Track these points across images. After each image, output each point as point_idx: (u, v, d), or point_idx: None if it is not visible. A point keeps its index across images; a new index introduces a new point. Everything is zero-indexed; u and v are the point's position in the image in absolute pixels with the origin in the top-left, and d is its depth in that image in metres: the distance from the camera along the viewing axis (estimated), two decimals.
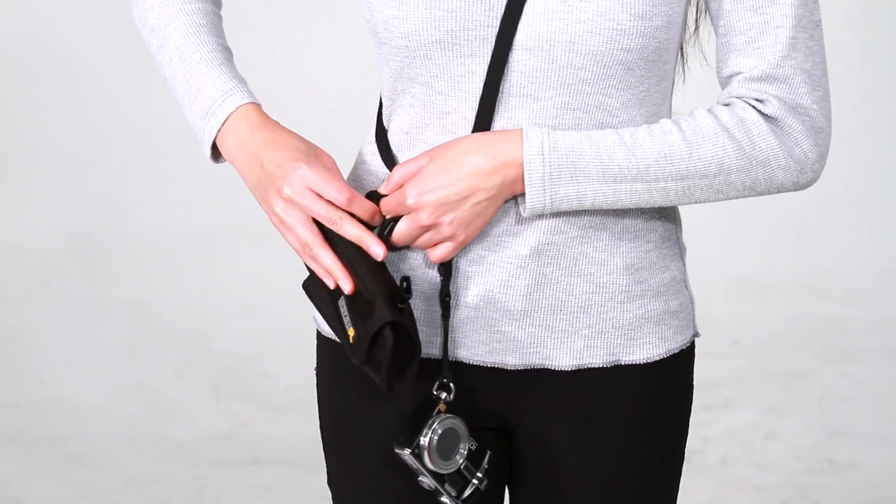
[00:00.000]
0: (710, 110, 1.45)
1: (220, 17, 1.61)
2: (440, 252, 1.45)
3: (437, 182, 1.42)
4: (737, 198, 1.48)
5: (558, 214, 1.46)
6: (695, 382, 1.63)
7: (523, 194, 1.44)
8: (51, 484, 3.51)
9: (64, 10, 5.25)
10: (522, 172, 1.42)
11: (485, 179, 1.42)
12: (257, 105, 1.52)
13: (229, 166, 1.57)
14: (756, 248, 5.05)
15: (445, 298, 1.48)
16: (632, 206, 1.45)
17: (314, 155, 1.47)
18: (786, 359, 4.32)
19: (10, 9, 5.25)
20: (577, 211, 1.47)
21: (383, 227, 1.46)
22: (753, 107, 1.44)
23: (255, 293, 4.66)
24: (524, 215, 1.44)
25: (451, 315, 1.50)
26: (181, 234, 4.99)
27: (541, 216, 1.46)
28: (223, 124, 1.51)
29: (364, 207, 1.44)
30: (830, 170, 1.58)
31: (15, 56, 5.25)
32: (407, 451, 1.46)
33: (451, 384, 1.49)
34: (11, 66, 5.25)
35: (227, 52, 1.58)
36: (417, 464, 1.46)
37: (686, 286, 1.57)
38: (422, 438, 1.46)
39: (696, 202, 1.46)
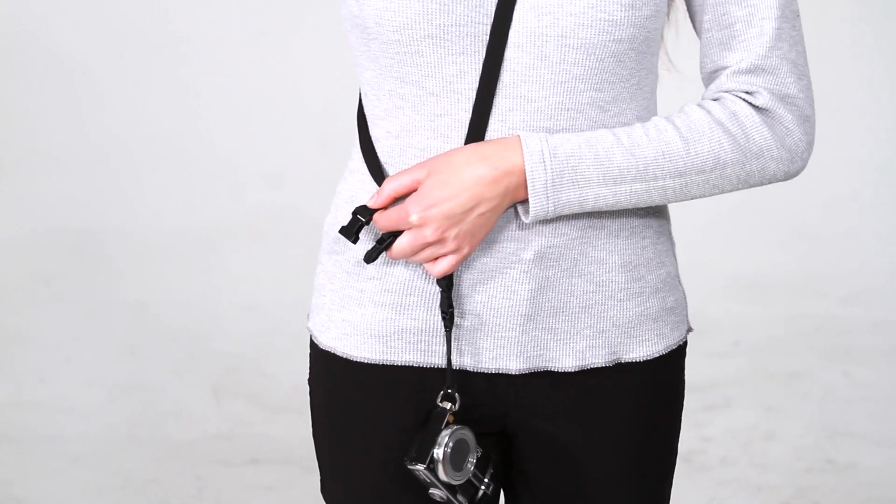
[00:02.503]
0: (700, 105, 1.45)
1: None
2: (442, 266, 1.44)
3: (440, 195, 1.40)
4: (730, 191, 1.48)
5: (559, 217, 1.46)
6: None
7: (524, 201, 1.43)
8: (51, 484, 3.51)
9: (64, 9, 5.25)
10: (524, 179, 1.41)
11: (488, 189, 1.41)
12: None
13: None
14: (756, 248, 5.05)
15: (448, 310, 1.47)
16: (629, 207, 1.45)
17: None
18: (786, 359, 4.32)
19: (9, 8, 5.25)
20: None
21: (381, 242, 1.44)
22: (744, 99, 1.45)
23: (255, 293, 4.66)
24: (526, 221, 1.44)
25: (457, 325, 1.49)
26: (181, 234, 4.99)
27: (543, 221, 1.46)
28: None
29: None
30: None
31: (16, 56, 5.24)
32: (421, 467, 1.44)
33: (456, 394, 1.48)
34: (13, 66, 5.25)
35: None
36: (432, 477, 1.45)
37: (679, 282, 1.58)
38: (435, 451, 1.45)
39: (691, 199, 1.46)
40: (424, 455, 1.45)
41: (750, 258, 4.98)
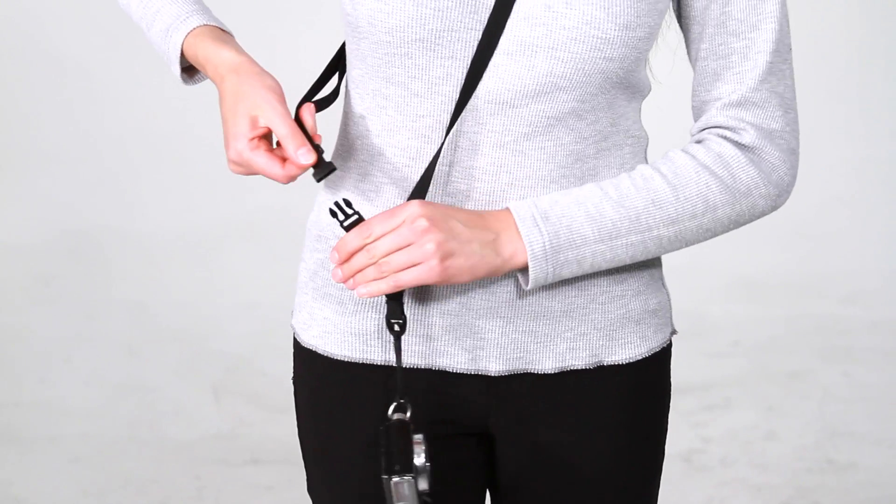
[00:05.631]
0: (684, 150, 1.46)
1: None
2: (408, 277, 1.38)
3: (453, 214, 1.40)
4: (722, 233, 1.50)
5: None
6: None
7: (524, 269, 1.42)
8: (51, 484, 3.51)
9: (63, 11, 5.25)
10: (522, 245, 1.40)
11: (486, 245, 1.40)
12: (218, 29, 1.49)
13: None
14: (756, 249, 5.05)
15: (397, 320, 1.43)
16: (629, 262, 1.46)
17: (257, 109, 1.45)
18: (786, 359, 4.32)
19: (9, 9, 5.25)
20: None
21: (347, 217, 1.40)
22: (727, 139, 1.45)
23: (254, 293, 4.66)
24: (527, 288, 1.43)
25: (435, 324, 1.49)
26: (181, 235, 4.99)
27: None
28: (185, 38, 1.48)
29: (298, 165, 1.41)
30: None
31: (15, 58, 5.24)
32: (409, 476, 1.37)
33: (408, 404, 1.43)
34: (12, 68, 5.25)
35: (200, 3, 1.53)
36: (414, 491, 1.38)
37: (663, 284, 1.58)
38: (416, 460, 1.39)
39: (688, 245, 1.47)
40: (408, 466, 1.38)
41: (750, 258, 4.98)
